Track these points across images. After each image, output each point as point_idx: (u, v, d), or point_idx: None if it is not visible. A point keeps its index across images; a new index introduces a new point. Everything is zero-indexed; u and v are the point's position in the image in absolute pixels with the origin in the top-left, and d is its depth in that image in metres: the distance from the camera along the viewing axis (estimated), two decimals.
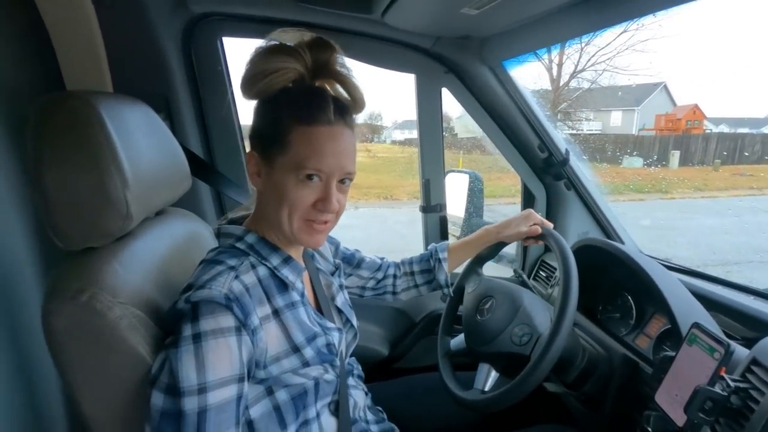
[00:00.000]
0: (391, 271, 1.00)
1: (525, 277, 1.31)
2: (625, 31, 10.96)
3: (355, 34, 1.19)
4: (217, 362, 0.55)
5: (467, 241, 1.02)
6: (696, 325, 0.69)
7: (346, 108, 0.67)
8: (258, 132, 0.66)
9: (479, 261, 1.03)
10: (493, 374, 0.88)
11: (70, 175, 0.58)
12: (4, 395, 0.72)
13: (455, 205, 1.47)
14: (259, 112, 0.66)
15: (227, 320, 0.57)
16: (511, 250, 1.55)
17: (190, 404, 0.54)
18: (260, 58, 0.64)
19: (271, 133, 0.64)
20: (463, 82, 1.30)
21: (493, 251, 1.02)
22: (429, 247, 1.03)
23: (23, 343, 0.77)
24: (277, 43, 0.65)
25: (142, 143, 0.69)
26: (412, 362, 1.42)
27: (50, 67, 0.86)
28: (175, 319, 0.58)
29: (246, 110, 1.27)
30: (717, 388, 0.62)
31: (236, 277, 0.61)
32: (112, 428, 0.58)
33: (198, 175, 1.15)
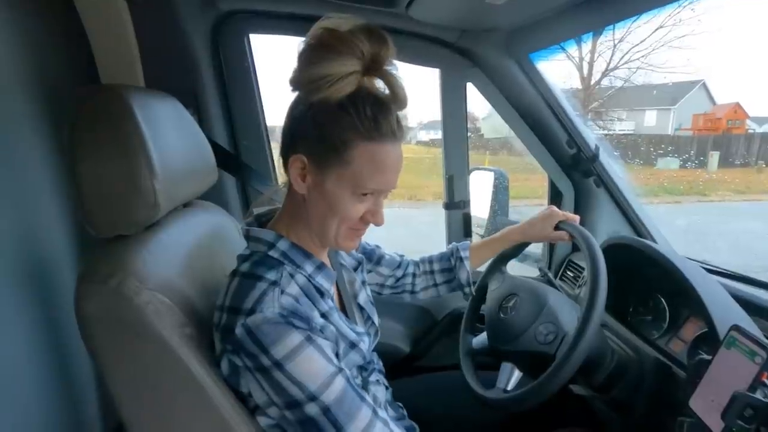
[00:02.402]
0: (410, 269, 0.99)
1: (551, 276, 1.28)
2: (661, 27, 10.54)
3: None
4: (309, 375, 0.57)
5: (490, 241, 1.00)
6: (735, 328, 0.65)
7: (399, 118, 0.63)
8: (311, 138, 0.61)
9: (503, 259, 1.00)
10: (516, 373, 0.85)
11: (102, 164, 0.60)
12: (40, 377, 0.76)
13: (479, 206, 1.44)
14: (314, 117, 0.60)
15: (294, 338, 0.57)
16: (536, 249, 1.52)
17: (312, 409, 0.57)
18: (322, 56, 0.57)
19: (329, 144, 0.59)
20: (488, 76, 1.28)
21: (517, 249, 1.00)
22: (450, 246, 1.01)
23: (59, 327, 0.80)
24: (337, 34, 0.58)
25: (171, 136, 0.71)
26: (433, 360, 1.40)
27: (86, 62, 0.90)
28: (233, 341, 0.58)
29: (271, 106, 1.29)
30: (758, 395, 0.58)
31: (282, 292, 0.60)
32: (138, 409, 0.60)
33: (224, 168, 1.18)
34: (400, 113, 0.64)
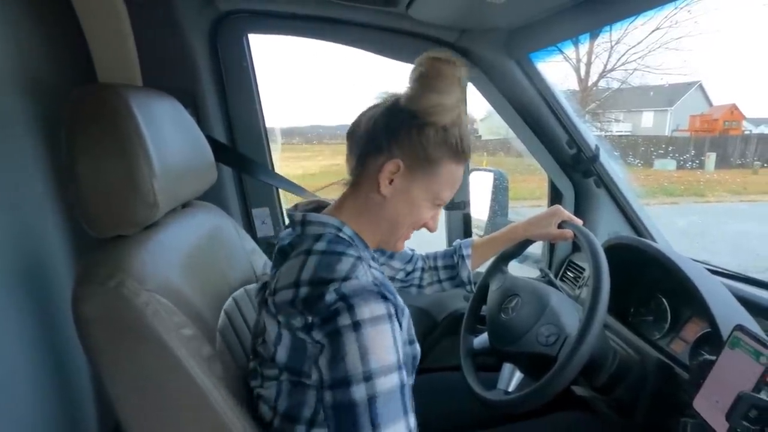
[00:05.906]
0: (419, 264, 0.99)
1: (552, 277, 1.27)
2: (657, 29, 10.60)
3: (379, 29, 1.18)
4: (377, 350, 0.56)
5: (492, 238, 0.99)
6: (739, 328, 0.65)
7: None
8: (413, 149, 0.65)
9: (504, 259, 1.00)
10: (518, 375, 0.85)
11: (100, 163, 0.60)
12: (37, 379, 0.75)
13: (479, 207, 1.44)
14: (423, 133, 0.65)
15: (380, 308, 0.57)
16: (537, 249, 1.51)
17: (359, 392, 0.54)
18: (439, 85, 0.63)
19: (426, 157, 0.66)
20: (488, 76, 1.27)
21: (518, 249, 1.00)
22: (454, 243, 1.01)
23: (55, 328, 0.79)
24: (447, 64, 0.64)
25: (170, 135, 0.70)
26: (433, 362, 1.39)
27: (84, 62, 0.90)
28: (318, 309, 0.57)
29: (269, 106, 1.29)
30: (763, 395, 0.58)
31: (369, 266, 0.62)
32: (136, 411, 0.59)
33: (224, 161, 1.17)
34: None
